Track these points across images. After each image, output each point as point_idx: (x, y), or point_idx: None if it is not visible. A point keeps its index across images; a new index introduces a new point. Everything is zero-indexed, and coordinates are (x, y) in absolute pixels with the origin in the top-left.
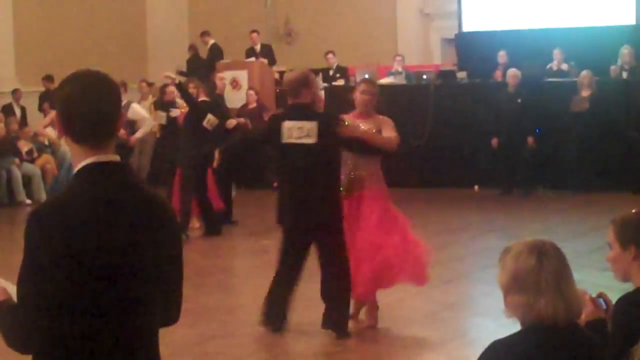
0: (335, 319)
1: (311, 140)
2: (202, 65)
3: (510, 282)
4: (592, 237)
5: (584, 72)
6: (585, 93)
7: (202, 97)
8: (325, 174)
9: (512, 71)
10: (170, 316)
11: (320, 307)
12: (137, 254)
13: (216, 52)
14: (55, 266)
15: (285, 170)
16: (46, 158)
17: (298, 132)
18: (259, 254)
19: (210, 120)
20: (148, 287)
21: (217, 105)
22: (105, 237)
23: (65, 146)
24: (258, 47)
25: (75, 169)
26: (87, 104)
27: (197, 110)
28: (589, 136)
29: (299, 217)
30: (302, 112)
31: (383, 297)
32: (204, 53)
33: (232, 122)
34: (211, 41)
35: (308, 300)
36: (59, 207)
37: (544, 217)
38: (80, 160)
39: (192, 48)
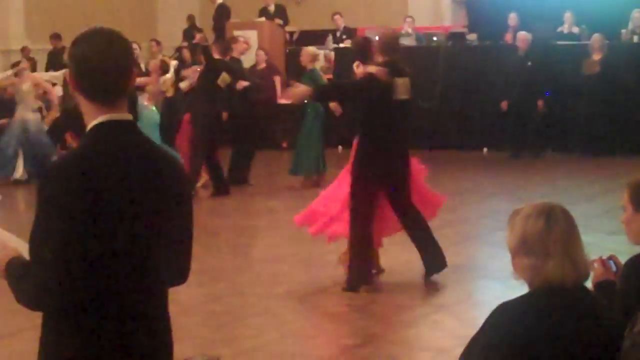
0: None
1: (407, 96)
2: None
3: (519, 244)
4: (601, 200)
5: (596, 36)
6: (596, 56)
7: (216, 56)
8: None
9: (522, 34)
10: (181, 275)
11: (324, 269)
12: (151, 211)
13: (223, 12)
14: (74, 220)
15: (388, 125)
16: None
17: (403, 88)
18: (267, 214)
19: (224, 78)
20: (160, 245)
21: (231, 64)
22: (122, 193)
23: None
24: (272, 8)
25: (89, 126)
26: (100, 62)
27: (212, 68)
28: (599, 99)
29: (395, 168)
30: (400, 69)
31: (390, 259)
32: (211, 12)
33: (242, 84)
34: (219, 1)
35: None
36: (76, 162)
37: (552, 180)
38: (93, 117)
39: (190, 18)
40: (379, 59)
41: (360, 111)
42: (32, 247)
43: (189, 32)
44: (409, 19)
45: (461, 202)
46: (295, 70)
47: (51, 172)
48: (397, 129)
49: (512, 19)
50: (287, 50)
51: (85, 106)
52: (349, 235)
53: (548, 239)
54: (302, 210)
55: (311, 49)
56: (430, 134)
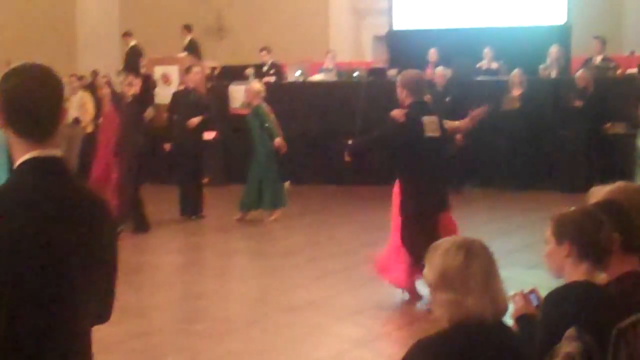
0: None
1: (437, 133)
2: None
3: (438, 279)
4: (520, 235)
5: (515, 71)
6: (516, 92)
7: (135, 91)
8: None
9: (439, 70)
10: (103, 315)
11: (245, 305)
12: (73, 250)
13: (134, 55)
14: None
15: (421, 163)
16: None
17: (431, 125)
18: (188, 251)
19: (149, 113)
20: (82, 285)
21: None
22: (43, 232)
23: None
24: (186, 42)
25: (17, 163)
26: (31, 98)
27: (142, 101)
28: (519, 134)
29: (433, 204)
30: (428, 107)
31: (310, 294)
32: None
33: (193, 122)
34: (132, 42)
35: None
36: None
37: (472, 215)
38: (22, 154)
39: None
40: (408, 100)
41: (395, 156)
42: None
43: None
44: (330, 54)
45: (382, 236)
46: (218, 106)
47: None
48: (430, 167)
49: (432, 54)
50: (209, 86)
51: (14, 142)
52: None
53: (467, 274)
54: (223, 245)
55: (256, 85)
56: (352, 169)
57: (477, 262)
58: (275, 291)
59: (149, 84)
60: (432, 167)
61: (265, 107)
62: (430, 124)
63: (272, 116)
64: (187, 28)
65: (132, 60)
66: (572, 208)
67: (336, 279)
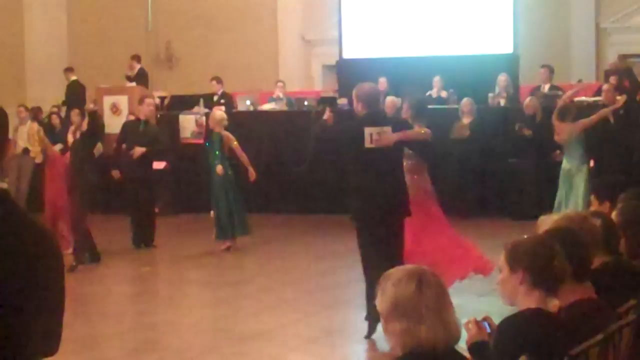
0: None
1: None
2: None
3: (391, 308)
4: None
5: (465, 100)
6: (466, 120)
7: (83, 128)
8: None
9: (390, 99)
10: (50, 347)
11: (198, 335)
12: (18, 283)
13: (75, 89)
14: None
15: (363, 172)
16: None
17: (375, 137)
18: (139, 282)
19: (99, 148)
20: (28, 317)
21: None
22: None
23: None
24: (134, 72)
25: None
26: None
27: (95, 134)
28: (469, 162)
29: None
30: (379, 119)
31: (263, 324)
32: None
33: (138, 151)
34: (73, 77)
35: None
36: None
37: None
38: None
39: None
40: (362, 112)
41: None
42: None
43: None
44: (280, 84)
45: (334, 265)
46: (168, 135)
47: None
48: (373, 176)
49: (382, 83)
50: (159, 116)
51: None
52: None
53: (420, 302)
54: (174, 275)
55: (219, 113)
56: (302, 198)
57: (429, 291)
58: (228, 321)
59: (95, 119)
60: (374, 176)
61: (224, 136)
62: (375, 135)
63: (235, 143)
64: (136, 58)
65: (73, 95)
66: (525, 236)
67: (289, 308)
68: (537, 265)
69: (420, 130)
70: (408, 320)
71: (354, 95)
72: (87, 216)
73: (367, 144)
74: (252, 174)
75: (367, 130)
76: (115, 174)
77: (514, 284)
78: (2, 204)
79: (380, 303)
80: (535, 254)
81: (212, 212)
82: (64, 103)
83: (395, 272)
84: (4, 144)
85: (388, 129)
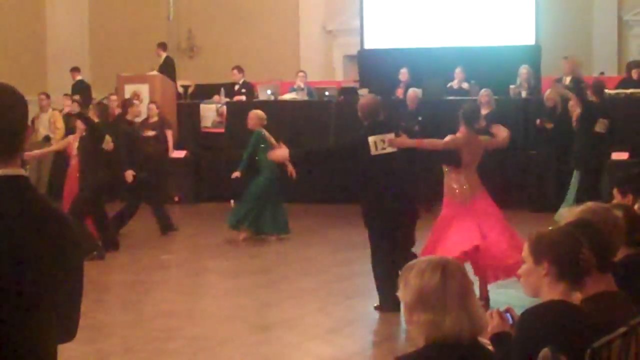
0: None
1: (388, 150)
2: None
3: (415, 300)
4: None
5: (483, 90)
6: (484, 111)
7: (96, 119)
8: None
9: (412, 91)
10: (68, 332)
11: (219, 324)
12: (38, 269)
13: (80, 89)
14: None
15: (373, 180)
16: None
17: (380, 144)
18: (159, 270)
19: (108, 141)
20: (44, 302)
21: (113, 126)
22: (6, 250)
23: None
24: (161, 60)
25: None
26: None
27: (95, 133)
28: (487, 154)
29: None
30: (380, 128)
31: (282, 313)
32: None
33: (108, 143)
34: (78, 77)
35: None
36: None
37: None
38: None
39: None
40: (365, 122)
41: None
42: None
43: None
44: (301, 74)
45: (354, 256)
46: (189, 124)
47: None
48: (384, 182)
49: (403, 74)
50: (178, 104)
51: None
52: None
53: (444, 293)
54: (194, 264)
55: (259, 112)
56: (323, 187)
57: (454, 282)
58: (248, 310)
59: (103, 112)
60: (385, 182)
61: (264, 133)
62: (379, 143)
63: (271, 141)
64: (162, 46)
65: (79, 94)
66: (549, 227)
67: (309, 297)
68: (562, 256)
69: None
70: (433, 311)
71: (358, 107)
72: (98, 208)
73: (373, 152)
74: (291, 171)
75: (372, 139)
76: (129, 175)
77: (539, 276)
78: (23, 191)
79: (404, 294)
80: (560, 245)
81: (233, 202)
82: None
83: (419, 263)
84: (25, 132)
85: (391, 135)
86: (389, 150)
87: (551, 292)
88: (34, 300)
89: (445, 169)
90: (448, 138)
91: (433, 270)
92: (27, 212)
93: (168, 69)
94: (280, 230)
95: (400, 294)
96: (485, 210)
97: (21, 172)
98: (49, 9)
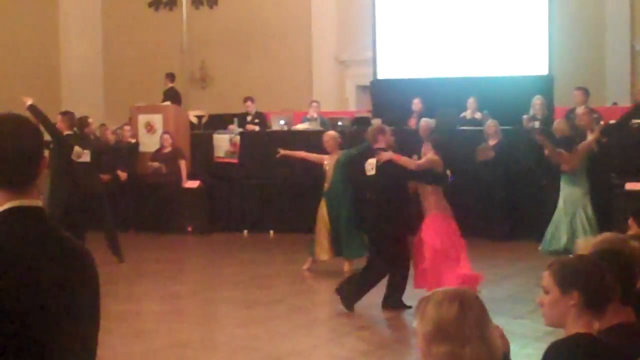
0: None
1: (372, 172)
2: None
3: (434, 332)
4: (504, 285)
5: (489, 122)
6: (492, 142)
7: (65, 132)
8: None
9: (423, 121)
10: None
11: (231, 354)
12: (53, 302)
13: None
14: None
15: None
16: None
17: (369, 167)
18: (172, 300)
19: (77, 151)
20: (61, 338)
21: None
22: (23, 283)
23: None
24: (166, 90)
25: None
26: (6, 148)
27: (64, 145)
28: (496, 184)
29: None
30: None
31: (296, 344)
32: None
33: (79, 154)
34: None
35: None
36: None
37: None
38: (0, 204)
39: None
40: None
41: None
42: None
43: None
44: (314, 104)
45: None
46: (202, 155)
47: None
48: (374, 199)
49: (416, 104)
50: (192, 134)
51: None
52: None
53: (463, 324)
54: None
55: (334, 133)
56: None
57: (472, 312)
58: (261, 340)
59: (72, 123)
60: (375, 199)
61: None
62: (369, 165)
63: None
64: (170, 76)
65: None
66: (571, 255)
67: (321, 328)
68: (591, 285)
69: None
70: (452, 343)
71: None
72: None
73: (367, 173)
74: None
75: (367, 162)
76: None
77: (566, 305)
78: (38, 223)
79: (421, 326)
80: (589, 274)
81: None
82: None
83: (435, 294)
84: (40, 161)
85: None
86: (371, 173)
87: (577, 322)
88: (49, 335)
89: (429, 187)
90: (424, 160)
91: (451, 301)
92: (42, 244)
93: (172, 99)
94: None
95: (417, 326)
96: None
97: (37, 203)
98: (63, 38)
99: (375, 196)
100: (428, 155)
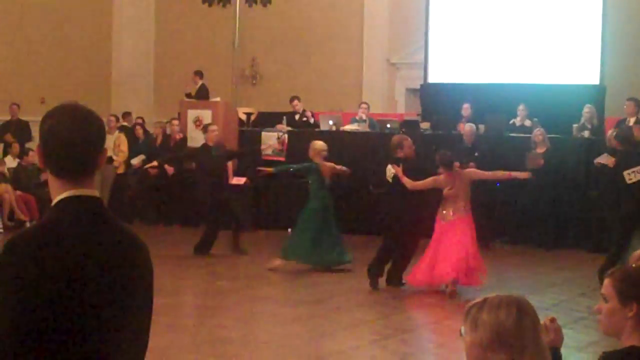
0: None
1: (390, 179)
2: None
3: (492, 339)
4: (549, 293)
5: (537, 130)
6: (540, 149)
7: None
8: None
9: (468, 126)
10: (139, 357)
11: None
12: (108, 291)
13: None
14: (27, 299)
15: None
16: (4, 187)
17: (388, 172)
18: (216, 295)
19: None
20: (116, 329)
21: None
22: (79, 272)
23: None
24: (196, 88)
25: (54, 201)
26: (68, 138)
27: None
28: (544, 193)
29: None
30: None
31: (338, 344)
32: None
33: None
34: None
35: None
36: (34, 238)
37: (500, 272)
38: (59, 194)
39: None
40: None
41: None
42: None
43: None
44: (364, 105)
45: (413, 289)
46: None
47: (5, 247)
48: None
49: (466, 109)
50: (241, 130)
51: (52, 182)
52: None
53: (522, 331)
54: (249, 291)
55: (320, 143)
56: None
57: (528, 318)
58: (303, 339)
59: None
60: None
61: (322, 166)
62: (388, 171)
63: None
64: (198, 74)
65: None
66: (634, 265)
67: (365, 329)
68: None
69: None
70: (511, 350)
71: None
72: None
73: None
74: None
75: (388, 168)
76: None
77: (623, 316)
78: (93, 210)
79: (475, 334)
80: None
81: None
82: None
83: (489, 300)
84: (101, 152)
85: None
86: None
87: (632, 335)
88: (105, 325)
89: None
90: (421, 183)
91: (508, 307)
92: (99, 233)
93: (202, 97)
94: (341, 260)
95: (467, 332)
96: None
97: (95, 193)
98: (115, 35)
99: (393, 196)
100: (429, 179)
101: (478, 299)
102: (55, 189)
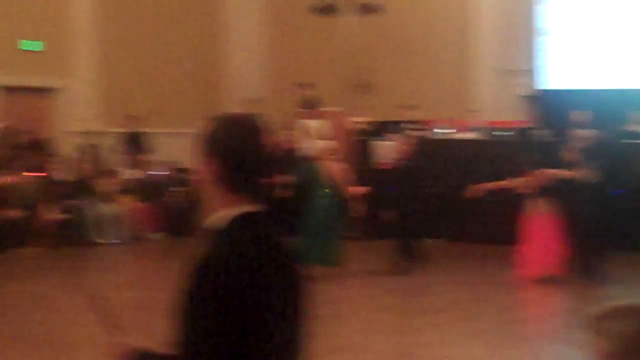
0: None
1: None
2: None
3: (622, 349)
4: None
5: None
6: None
7: None
8: None
9: (580, 133)
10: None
11: None
12: (280, 304)
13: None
14: (229, 316)
15: None
16: (127, 199)
17: None
18: (330, 304)
19: None
20: (284, 337)
21: None
22: (258, 285)
23: None
24: (301, 99)
25: (228, 217)
26: (253, 152)
27: None
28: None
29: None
30: None
31: (453, 355)
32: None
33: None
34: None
35: None
36: (233, 256)
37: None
38: (231, 208)
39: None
40: None
41: None
42: (187, 340)
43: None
44: (474, 113)
45: (523, 298)
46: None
47: (207, 266)
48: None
49: (579, 115)
50: (353, 140)
51: (224, 196)
52: None
53: None
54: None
55: (321, 144)
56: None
57: None
58: (420, 349)
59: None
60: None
61: (325, 166)
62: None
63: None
64: (302, 86)
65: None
66: None
67: (483, 338)
68: None
69: None
70: None
71: None
72: None
73: None
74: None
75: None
76: None
77: None
78: (270, 224)
79: (602, 345)
80: None
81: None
82: None
83: (617, 309)
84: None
85: None
86: None
87: None
88: (294, 334)
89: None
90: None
91: (636, 317)
92: (276, 249)
93: (309, 108)
94: (325, 263)
95: (597, 342)
96: None
97: (264, 207)
98: (225, 48)
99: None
100: None
101: (604, 307)
102: (225, 205)
